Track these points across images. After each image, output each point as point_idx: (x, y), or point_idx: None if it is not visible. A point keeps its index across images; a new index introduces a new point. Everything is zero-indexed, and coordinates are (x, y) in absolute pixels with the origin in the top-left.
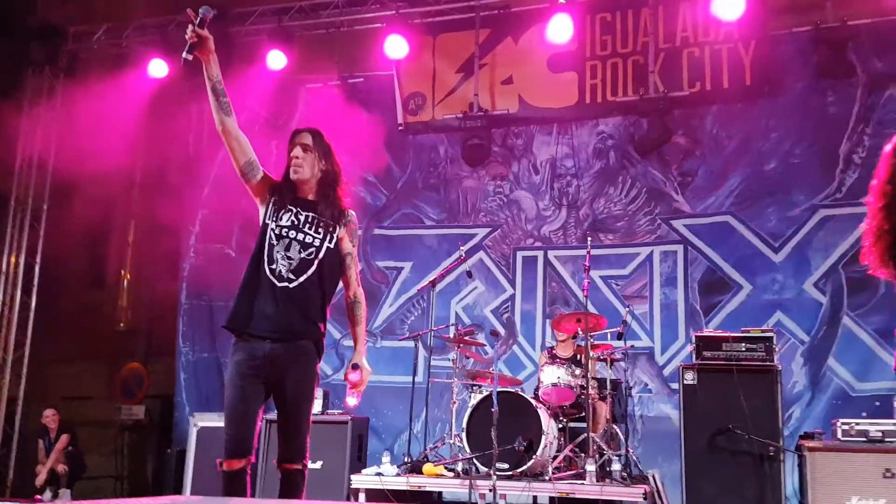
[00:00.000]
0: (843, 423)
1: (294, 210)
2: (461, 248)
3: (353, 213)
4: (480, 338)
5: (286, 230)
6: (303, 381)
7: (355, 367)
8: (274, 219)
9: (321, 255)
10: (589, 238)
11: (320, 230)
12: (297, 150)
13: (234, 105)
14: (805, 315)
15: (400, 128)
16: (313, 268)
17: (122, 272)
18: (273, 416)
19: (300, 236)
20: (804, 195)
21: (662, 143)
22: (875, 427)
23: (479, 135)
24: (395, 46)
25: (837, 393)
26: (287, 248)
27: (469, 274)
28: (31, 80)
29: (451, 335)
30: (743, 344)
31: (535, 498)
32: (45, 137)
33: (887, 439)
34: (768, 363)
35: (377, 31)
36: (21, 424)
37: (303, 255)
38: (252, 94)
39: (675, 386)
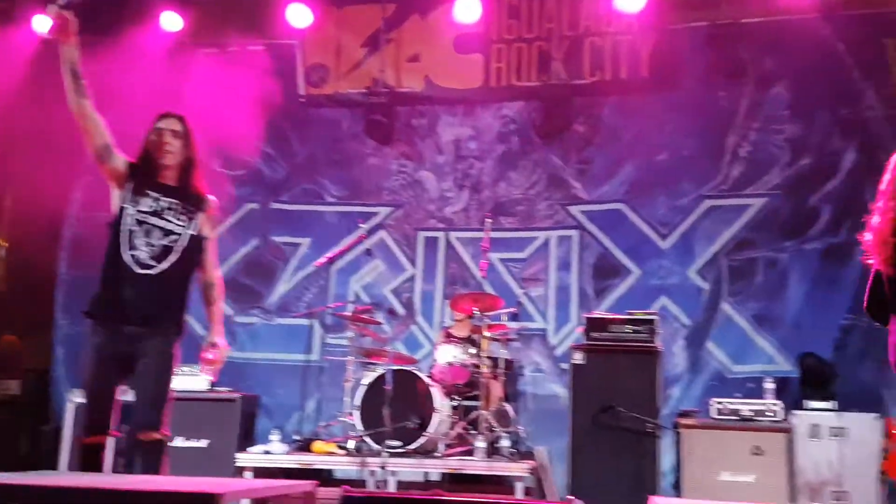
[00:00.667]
0: (716, 403)
1: (155, 196)
2: (361, 225)
3: (214, 198)
4: (379, 317)
5: (147, 216)
6: (161, 359)
7: (213, 345)
8: (133, 203)
9: (183, 241)
10: (488, 220)
11: (182, 217)
12: (168, 136)
13: (125, 68)
14: (688, 300)
15: (301, 100)
16: (175, 255)
17: None
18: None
19: (161, 223)
20: (692, 186)
21: (563, 130)
22: (746, 407)
23: (384, 112)
24: (298, 15)
25: (714, 374)
26: (148, 235)
27: (369, 252)
28: None
29: (349, 313)
30: (628, 326)
31: (426, 475)
32: None
33: (757, 418)
34: (650, 345)
35: None
36: None
37: (164, 241)
38: (143, 58)
39: (565, 366)
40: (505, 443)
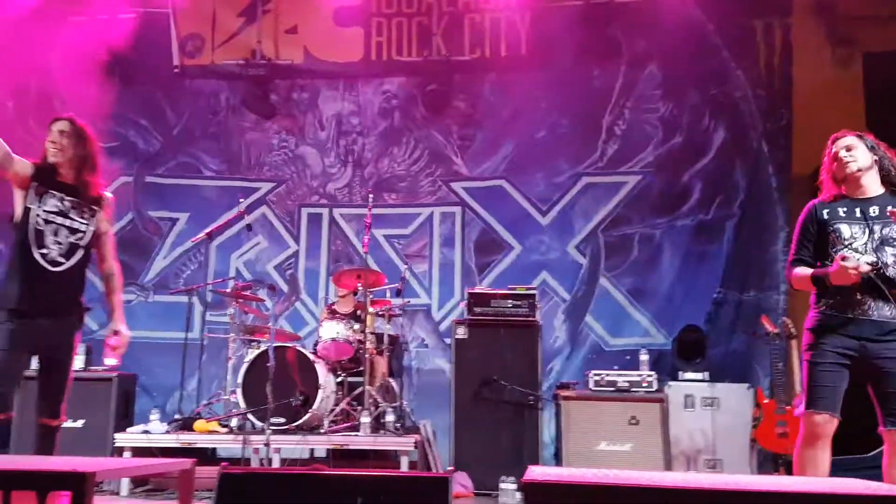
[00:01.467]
0: (594, 375)
1: (58, 195)
2: (241, 201)
3: (110, 195)
4: (261, 294)
5: (54, 216)
6: (67, 349)
7: (116, 332)
8: (38, 203)
9: (87, 238)
10: (371, 196)
11: (84, 215)
12: (55, 136)
13: None
14: (567, 275)
15: (175, 70)
16: (81, 251)
17: None
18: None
19: (67, 222)
20: (569, 163)
21: (444, 107)
22: (623, 378)
23: (263, 84)
24: None
25: (593, 347)
26: (56, 234)
27: (249, 228)
28: None
29: (231, 290)
30: (509, 301)
31: (311, 451)
32: None
33: (633, 389)
34: (531, 319)
35: None
36: None
37: (71, 239)
38: (8, 25)
39: (449, 341)
40: (390, 417)
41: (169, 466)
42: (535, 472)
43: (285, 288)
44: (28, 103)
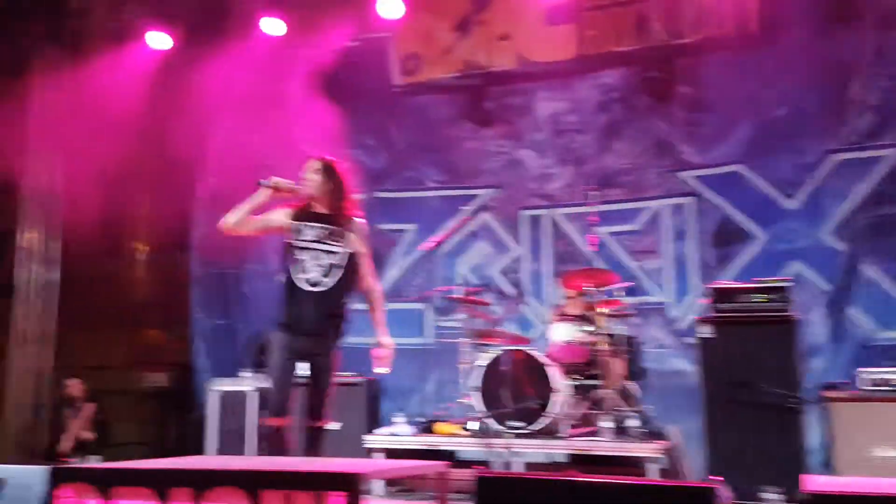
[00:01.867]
0: (865, 373)
1: (315, 226)
2: (464, 208)
3: (362, 219)
4: (489, 298)
5: (311, 243)
6: (328, 360)
7: (380, 344)
8: (299, 236)
9: (342, 260)
10: (595, 193)
11: (339, 239)
12: (309, 174)
13: (233, 76)
14: (823, 263)
15: (396, 89)
16: (338, 272)
17: (137, 244)
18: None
19: (324, 247)
20: (815, 141)
21: (667, 94)
22: None
23: (478, 94)
24: (389, 7)
25: (858, 342)
26: (315, 259)
27: (474, 234)
28: (37, 57)
29: (459, 296)
30: (759, 295)
31: (550, 456)
32: (55, 115)
33: None
34: (786, 314)
35: None
36: (49, 394)
37: (328, 261)
38: (247, 63)
39: (688, 340)
40: (632, 423)
41: (426, 469)
42: (818, 483)
43: (510, 291)
44: (269, 132)
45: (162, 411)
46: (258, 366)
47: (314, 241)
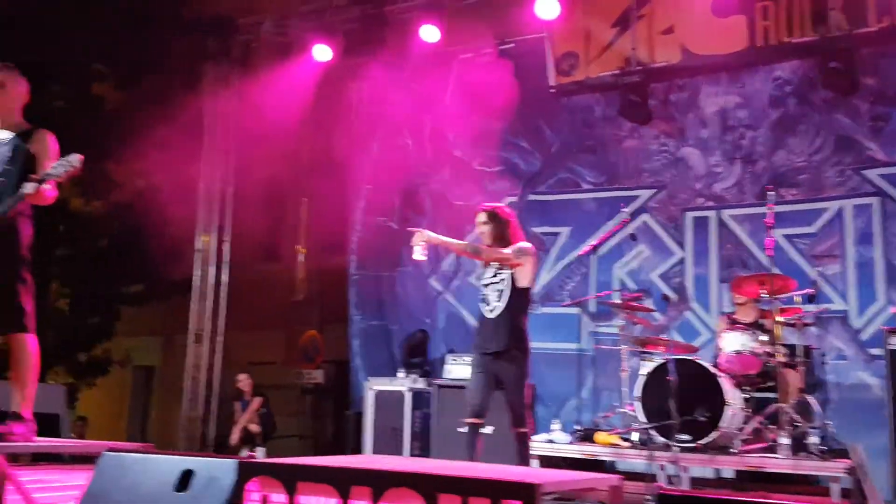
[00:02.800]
0: None
1: (492, 266)
2: (623, 210)
3: (524, 244)
4: (648, 304)
5: (490, 279)
6: (510, 372)
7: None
8: (481, 276)
9: (508, 286)
10: (771, 193)
11: (503, 270)
12: (479, 226)
13: (390, 84)
14: None
15: (552, 90)
16: (507, 298)
17: (297, 246)
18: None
19: (496, 279)
20: None
21: (849, 87)
22: None
23: (638, 91)
24: (546, 7)
25: None
26: (493, 290)
27: (633, 237)
28: (210, 72)
29: (618, 301)
30: None
31: (717, 471)
32: (225, 126)
33: None
34: None
35: None
36: (219, 388)
37: (498, 288)
38: (406, 70)
39: (874, 352)
40: (813, 439)
41: (601, 482)
42: None
43: (674, 296)
44: (423, 139)
45: (319, 407)
46: (409, 367)
47: (491, 277)
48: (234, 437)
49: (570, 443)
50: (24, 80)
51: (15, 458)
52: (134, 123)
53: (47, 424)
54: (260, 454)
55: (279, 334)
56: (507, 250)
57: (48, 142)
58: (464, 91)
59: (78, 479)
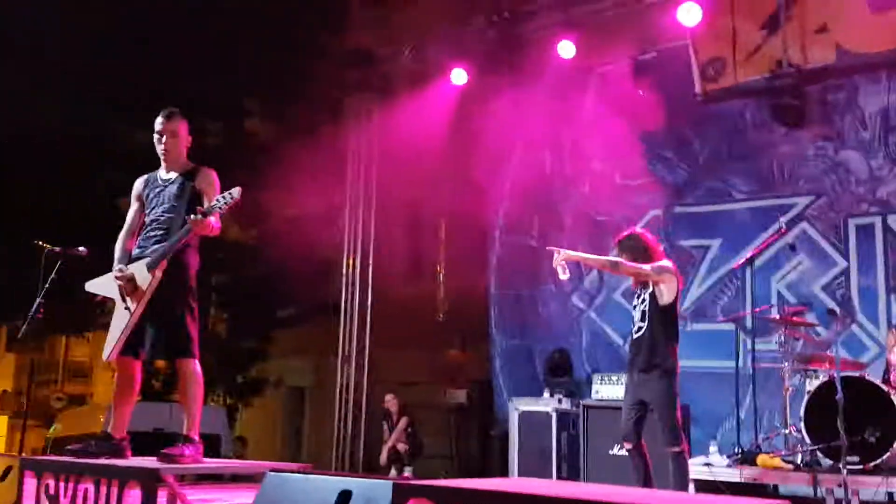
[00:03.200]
0: None
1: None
2: (780, 219)
3: (664, 262)
4: (811, 318)
5: (635, 299)
6: (654, 393)
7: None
8: (633, 298)
9: (648, 306)
10: None
11: (646, 290)
12: (622, 255)
13: (526, 102)
14: None
15: (697, 98)
16: (648, 318)
17: (437, 267)
18: None
19: (639, 300)
20: None
21: None
22: None
23: (791, 94)
24: (689, 13)
25: None
26: (638, 311)
27: (792, 247)
28: (351, 103)
29: (777, 316)
30: None
31: (889, 495)
32: (368, 155)
33: None
34: None
35: (667, 3)
36: (366, 407)
37: (642, 308)
38: (543, 88)
39: None
40: None
41: None
42: None
43: (838, 310)
44: (563, 154)
45: (463, 427)
46: (553, 386)
47: (637, 299)
48: (383, 456)
49: (728, 466)
50: (186, 123)
51: (181, 477)
52: (281, 154)
53: (210, 444)
54: (408, 473)
55: (423, 354)
56: (647, 267)
57: (212, 178)
58: (603, 104)
59: (239, 497)
